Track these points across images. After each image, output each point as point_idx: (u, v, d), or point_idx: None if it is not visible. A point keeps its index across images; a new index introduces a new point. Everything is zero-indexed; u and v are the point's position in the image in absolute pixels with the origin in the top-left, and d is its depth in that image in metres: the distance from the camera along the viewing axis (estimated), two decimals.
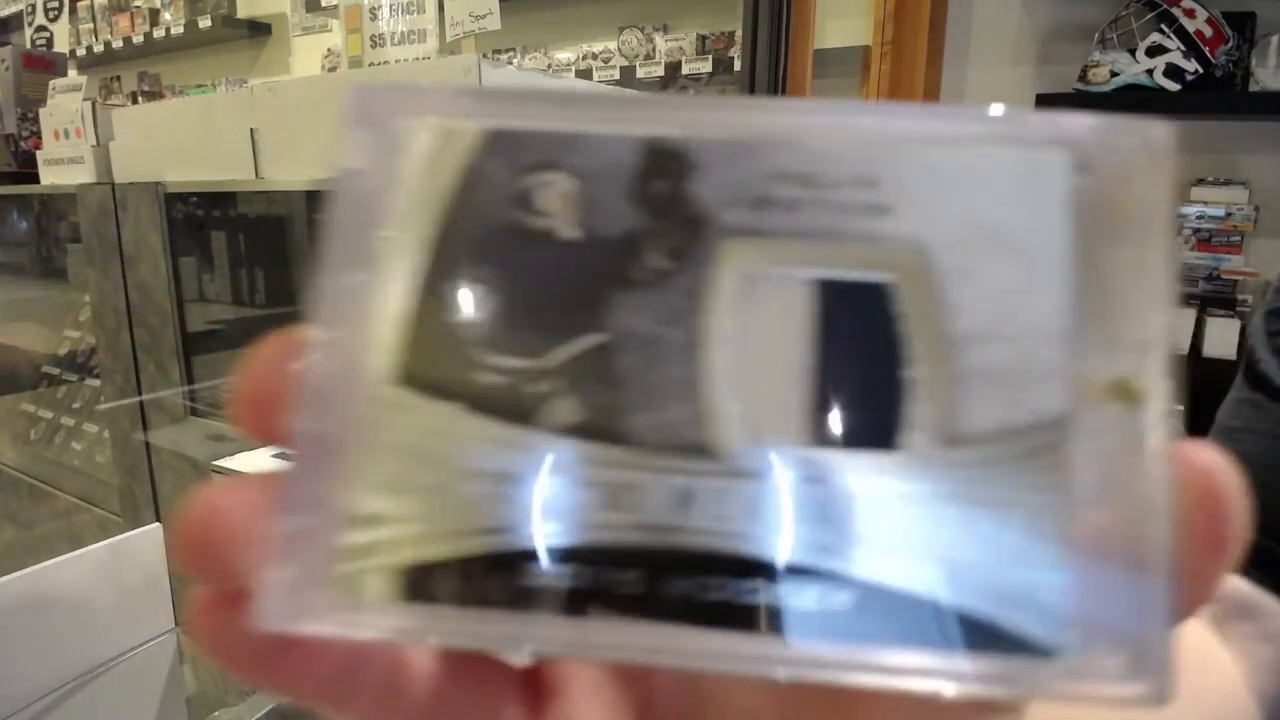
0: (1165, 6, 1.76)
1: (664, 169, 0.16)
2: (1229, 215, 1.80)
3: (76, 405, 1.95)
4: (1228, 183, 1.82)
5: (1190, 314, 1.78)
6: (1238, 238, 1.80)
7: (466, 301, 0.16)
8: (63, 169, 1.78)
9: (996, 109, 0.16)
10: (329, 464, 0.15)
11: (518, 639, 0.15)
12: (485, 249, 0.16)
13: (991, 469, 0.15)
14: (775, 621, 0.15)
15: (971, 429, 0.15)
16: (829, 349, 0.16)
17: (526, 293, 0.16)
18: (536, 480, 0.16)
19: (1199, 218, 1.82)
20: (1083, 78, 1.86)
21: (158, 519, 0.95)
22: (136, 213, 1.57)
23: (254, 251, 1.72)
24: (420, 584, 0.15)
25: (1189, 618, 0.15)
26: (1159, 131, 0.15)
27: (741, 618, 0.15)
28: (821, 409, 0.16)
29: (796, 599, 0.15)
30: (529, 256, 0.16)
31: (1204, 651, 0.38)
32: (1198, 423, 0.45)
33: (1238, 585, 0.39)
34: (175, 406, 1.58)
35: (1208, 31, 1.73)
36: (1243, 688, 0.37)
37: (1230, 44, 1.75)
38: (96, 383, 1.86)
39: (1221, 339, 1.74)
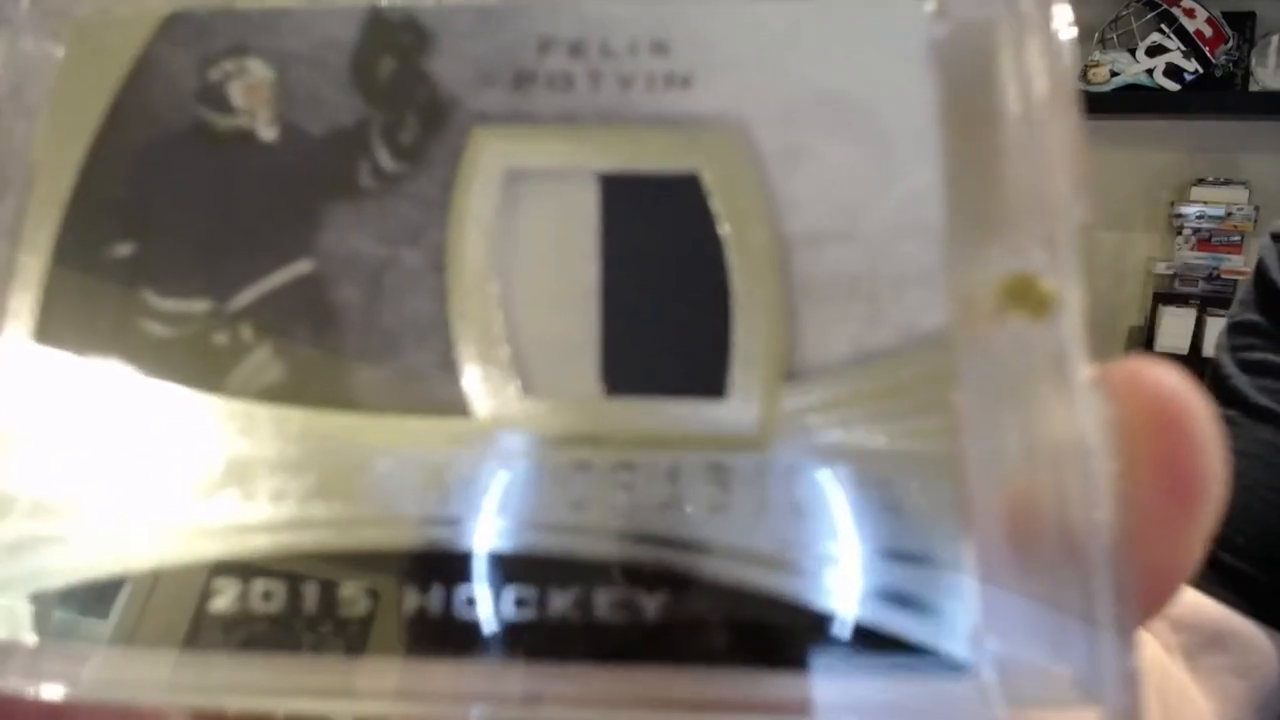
0: (1165, 6, 1.74)
1: (391, 44, 0.12)
2: (1229, 215, 1.77)
3: None
4: (1228, 182, 1.79)
5: (1190, 314, 1.74)
6: (1237, 238, 1.76)
7: (126, 230, 0.12)
8: None
9: None
10: None
11: (199, 697, 0.10)
12: (156, 160, 0.12)
13: (848, 411, 0.11)
14: (572, 644, 0.10)
15: (818, 359, 0.11)
16: (623, 266, 0.11)
17: (209, 214, 0.12)
18: (224, 463, 0.11)
19: (1199, 217, 1.78)
20: (1082, 77, 1.84)
21: None
22: None
23: None
24: (73, 617, 0.11)
25: (1160, 604, 0.11)
26: None
27: (528, 643, 0.10)
28: (616, 345, 0.11)
29: (599, 610, 0.10)
30: (214, 167, 0.12)
31: (1174, 689, 0.34)
32: None
33: (1210, 612, 0.36)
34: None
35: (1208, 31, 1.72)
36: None
37: (1230, 44, 1.73)
38: None
39: None
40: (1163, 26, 1.74)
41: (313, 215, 0.12)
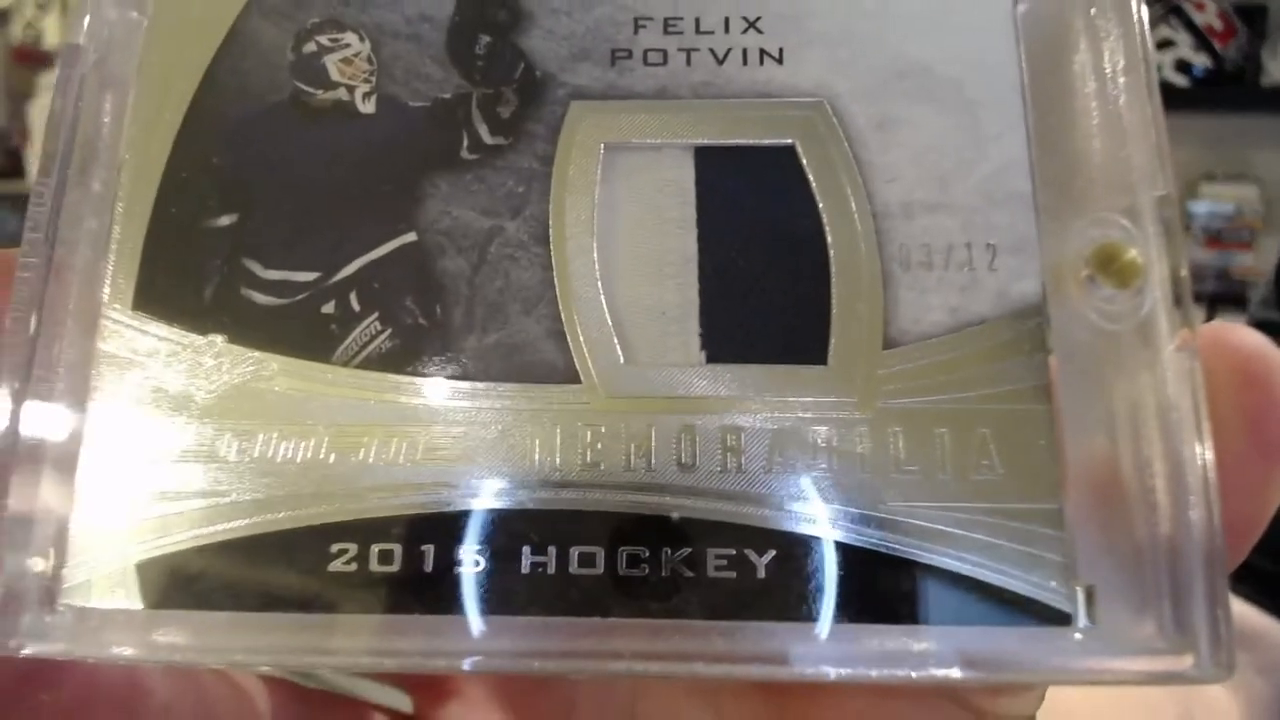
0: (1174, 0, 1.70)
1: (487, 20, 0.12)
2: (1239, 212, 1.73)
3: None
4: (1238, 179, 1.76)
5: (1200, 312, 1.73)
6: (1248, 235, 1.73)
7: (226, 203, 0.12)
8: None
9: None
10: (50, 425, 0.11)
11: (329, 656, 0.11)
12: (251, 135, 0.12)
13: (947, 377, 0.11)
14: (685, 601, 0.11)
15: (915, 327, 0.11)
16: (720, 237, 0.12)
17: (310, 186, 0.12)
18: (335, 432, 0.11)
19: (1209, 214, 1.74)
20: None
21: None
22: None
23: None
24: (183, 583, 0.11)
25: (1241, 553, 0.11)
26: None
27: (642, 592, 0.11)
28: (716, 314, 0.11)
29: (712, 568, 0.11)
30: (312, 139, 0.12)
31: (1199, 689, 0.35)
32: None
33: (1235, 608, 0.36)
34: None
35: (1217, 25, 1.68)
36: None
37: (1241, 38, 1.70)
38: None
39: None
40: (1172, 20, 1.69)
41: (415, 187, 0.12)
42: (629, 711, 0.17)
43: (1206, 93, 1.72)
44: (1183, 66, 1.70)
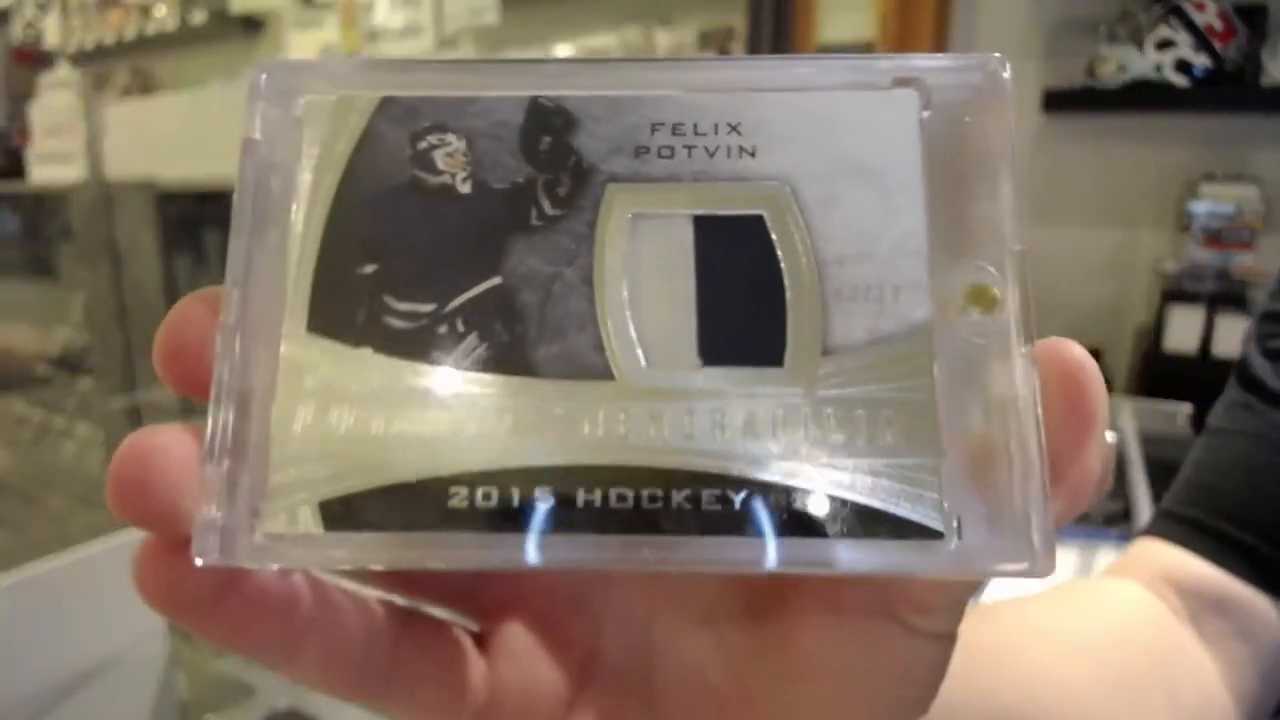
0: (1174, 0, 1.69)
1: (547, 125, 0.17)
2: (1239, 212, 1.72)
3: (69, 406, 1.88)
4: (1238, 179, 1.75)
5: (1199, 312, 1.70)
6: (1248, 235, 1.71)
7: (370, 254, 0.17)
8: (52, 166, 1.73)
9: (849, 56, 0.17)
10: (250, 410, 0.16)
11: (450, 558, 0.16)
12: (385, 206, 0.17)
13: (864, 374, 0.16)
14: (690, 523, 0.16)
15: (844, 340, 0.16)
16: (711, 278, 0.17)
17: (426, 243, 0.17)
18: (450, 413, 0.16)
19: (1209, 214, 1.73)
20: (1090, 73, 1.80)
21: None
22: (129, 211, 1.53)
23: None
24: (349, 515, 0.16)
25: (1078, 504, 0.16)
26: (995, 66, 0.17)
27: (658, 519, 0.16)
28: (709, 332, 0.17)
29: (705, 503, 0.16)
30: (427, 210, 0.17)
31: (1180, 649, 0.38)
32: (1205, 423, 0.45)
33: (1212, 578, 0.39)
34: (170, 406, 1.53)
35: (1218, 25, 1.68)
36: (1220, 686, 0.38)
37: (1241, 38, 1.69)
38: (90, 383, 1.81)
39: (1231, 338, 1.64)
40: (1171, 20, 1.70)
41: (499, 246, 0.17)
42: (646, 635, 0.22)
43: (1206, 93, 1.72)
44: (1183, 66, 1.71)
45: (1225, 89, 1.72)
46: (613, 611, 0.22)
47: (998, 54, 0.17)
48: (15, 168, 1.89)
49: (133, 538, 0.16)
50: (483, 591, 0.22)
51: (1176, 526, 0.41)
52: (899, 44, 2.07)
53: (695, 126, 0.17)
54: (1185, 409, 1.05)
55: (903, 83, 0.17)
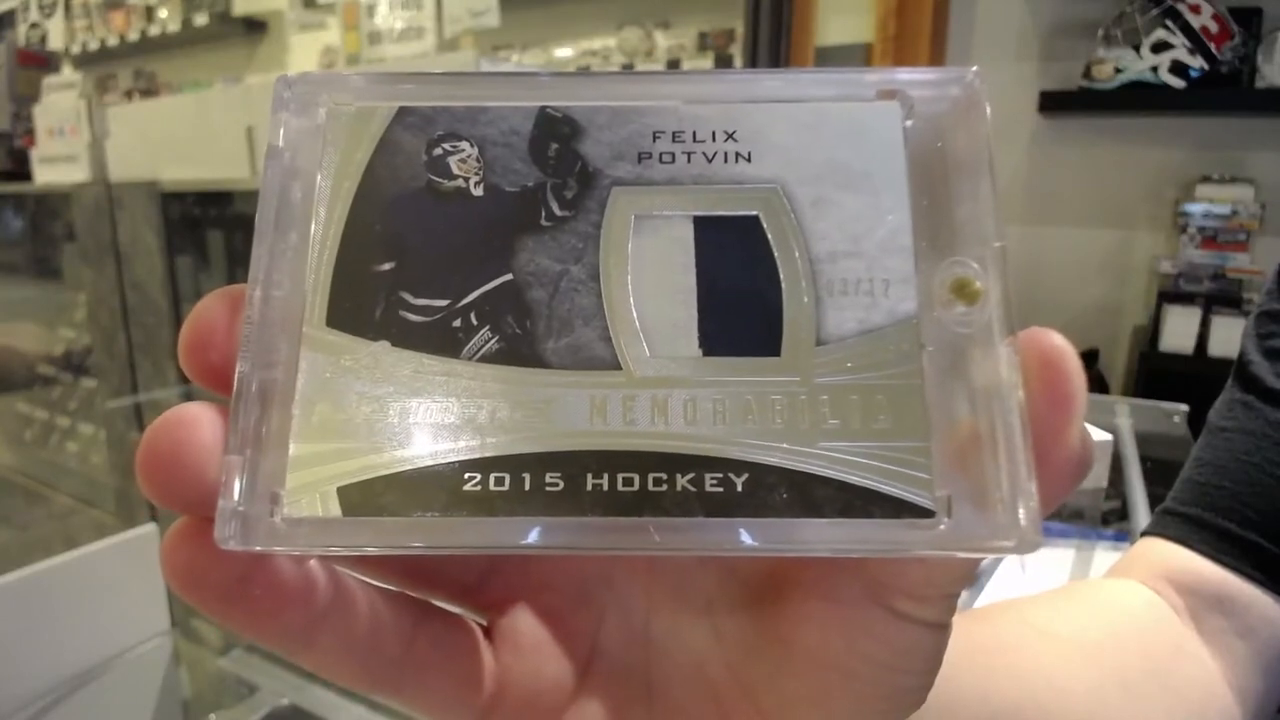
0: (1170, 2, 1.70)
1: (555, 133, 0.19)
2: (1235, 213, 1.76)
3: (72, 406, 1.89)
4: (1233, 180, 1.76)
5: (1195, 313, 1.74)
6: (1243, 236, 1.75)
7: (387, 253, 0.18)
8: (56, 167, 1.74)
9: (837, 70, 0.19)
10: (272, 401, 0.17)
11: (465, 541, 0.17)
12: (401, 208, 0.18)
13: (855, 363, 0.17)
14: (691, 506, 0.17)
15: (837, 332, 0.18)
16: (711, 274, 0.18)
17: (440, 243, 0.18)
18: (462, 402, 0.17)
19: (1204, 215, 1.77)
20: (1087, 74, 1.83)
21: (153, 520, 0.92)
22: (132, 211, 1.54)
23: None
24: (366, 500, 0.17)
25: (1062, 485, 0.17)
26: (972, 79, 0.18)
27: (663, 501, 0.17)
28: (709, 324, 0.18)
29: (708, 486, 0.17)
30: (441, 213, 0.18)
31: (1181, 648, 0.39)
32: (1206, 421, 0.46)
33: (1210, 575, 0.40)
34: (172, 405, 1.55)
35: (1213, 27, 1.71)
36: (1222, 683, 0.38)
37: (1236, 40, 1.72)
38: (92, 383, 1.82)
39: (1227, 338, 1.67)
40: (1167, 22, 1.73)
41: (510, 244, 0.18)
42: (646, 627, 0.23)
43: (1202, 95, 1.74)
44: (1179, 68, 1.73)
45: (1221, 91, 1.75)
46: (614, 604, 0.23)
47: (975, 67, 0.18)
48: (20, 169, 1.89)
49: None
50: (489, 585, 0.22)
51: (1177, 524, 0.42)
52: (897, 47, 2.09)
53: (694, 134, 0.18)
54: (1181, 409, 1.06)
55: (887, 95, 0.18)
